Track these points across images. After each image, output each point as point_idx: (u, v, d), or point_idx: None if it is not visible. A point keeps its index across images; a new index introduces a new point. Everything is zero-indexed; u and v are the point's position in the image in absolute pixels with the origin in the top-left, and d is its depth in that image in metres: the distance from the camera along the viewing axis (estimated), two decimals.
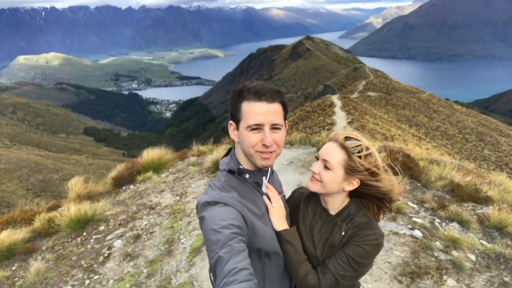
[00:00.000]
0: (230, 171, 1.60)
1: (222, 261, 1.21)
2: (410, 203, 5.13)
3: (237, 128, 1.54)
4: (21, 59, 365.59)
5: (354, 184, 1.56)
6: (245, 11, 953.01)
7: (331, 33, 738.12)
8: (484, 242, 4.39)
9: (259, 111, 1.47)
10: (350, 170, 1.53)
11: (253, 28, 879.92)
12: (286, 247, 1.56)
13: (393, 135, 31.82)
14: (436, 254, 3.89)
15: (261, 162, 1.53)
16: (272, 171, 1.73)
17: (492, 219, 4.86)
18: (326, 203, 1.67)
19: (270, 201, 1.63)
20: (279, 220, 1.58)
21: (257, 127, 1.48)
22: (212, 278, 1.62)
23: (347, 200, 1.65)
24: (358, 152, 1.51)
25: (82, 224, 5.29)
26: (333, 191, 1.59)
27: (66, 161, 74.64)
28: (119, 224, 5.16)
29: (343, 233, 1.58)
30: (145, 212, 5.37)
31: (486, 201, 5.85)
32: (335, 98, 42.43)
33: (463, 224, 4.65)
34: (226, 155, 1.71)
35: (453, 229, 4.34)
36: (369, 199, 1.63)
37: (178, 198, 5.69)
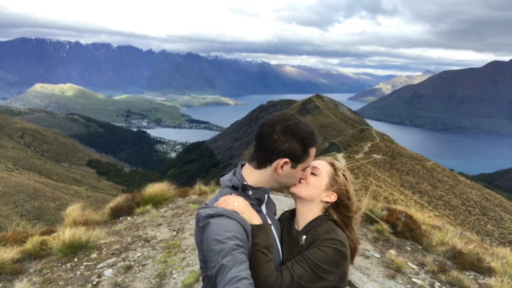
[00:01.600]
0: (233, 187, 1.66)
1: (225, 269, 1.25)
2: (410, 264, 5.01)
3: (293, 166, 1.64)
4: (38, 87, 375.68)
5: (332, 198, 1.71)
6: (260, 65, 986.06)
7: (341, 94, 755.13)
8: None
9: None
10: (333, 182, 1.72)
11: (266, 82, 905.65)
12: (258, 240, 1.54)
13: (395, 199, 31.58)
14: None
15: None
16: (269, 195, 1.81)
17: None
18: (299, 214, 1.77)
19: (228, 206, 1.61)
20: (252, 213, 1.58)
21: None
22: None
23: (317, 213, 1.75)
24: (342, 172, 1.75)
25: (75, 249, 5.19)
26: (313, 196, 1.71)
27: (65, 190, 74.18)
28: (112, 254, 5.05)
29: (302, 243, 1.66)
30: (140, 244, 5.27)
31: (489, 271, 5.69)
32: (340, 157, 42.72)
33: None
34: (223, 175, 1.78)
35: None
36: (337, 219, 1.74)
37: (174, 233, 5.61)
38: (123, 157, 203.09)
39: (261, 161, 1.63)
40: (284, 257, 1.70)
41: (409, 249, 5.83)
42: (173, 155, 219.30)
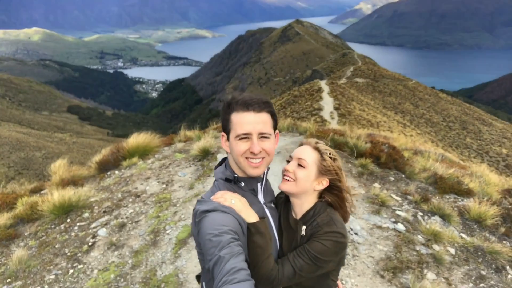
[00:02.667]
0: (227, 180, 1.65)
1: (222, 261, 1.26)
2: (394, 196, 5.21)
3: (228, 138, 1.60)
4: (1, 33, 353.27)
5: (324, 184, 1.70)
6: None
7: (321, 18, 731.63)
8: (464, 236, 4.50)
9: (247, 121, 1.53)
10: (322, 169, 1.67)
11: (243, 10, 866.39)
12: (256, 238, 1.55)
13: (378, 122, 32.14)
14: (417, 248, 3.98)
15: (251, 171, 1.58)
16: (266, 180, 1.77)
17: (472, 212, 4.97)
18: (295, 206, 1.74)
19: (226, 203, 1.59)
20: (248, 212, 1.57)
21: (245, 136, 1.54)
22: (204, 286, 1.65)
23: (313, 202, 1.74)
24: (329, 154, 1.68)
25: (66, 210, 5.22)
26: (305, 190, 1.68)
27: (49, 139, 73.28)
28: (104, 212, 5.11)
29: (303, 233, 1.67)
30: (130, 200, 5.33)
31: (468, 193, 5.98)
32: (323, 84, 42.46)
33: (445, 217, 4.75)
34: (219, 164, 1.76)
35: (435, 223, 4.44)
36: (332, 201, 1.75)
37: (164, 186, 5.66)
38: (103, 100, 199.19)
39: None
40: (283, 245, 1.72)
41: (392, 179, 6.03)
42: (154, 94, 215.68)
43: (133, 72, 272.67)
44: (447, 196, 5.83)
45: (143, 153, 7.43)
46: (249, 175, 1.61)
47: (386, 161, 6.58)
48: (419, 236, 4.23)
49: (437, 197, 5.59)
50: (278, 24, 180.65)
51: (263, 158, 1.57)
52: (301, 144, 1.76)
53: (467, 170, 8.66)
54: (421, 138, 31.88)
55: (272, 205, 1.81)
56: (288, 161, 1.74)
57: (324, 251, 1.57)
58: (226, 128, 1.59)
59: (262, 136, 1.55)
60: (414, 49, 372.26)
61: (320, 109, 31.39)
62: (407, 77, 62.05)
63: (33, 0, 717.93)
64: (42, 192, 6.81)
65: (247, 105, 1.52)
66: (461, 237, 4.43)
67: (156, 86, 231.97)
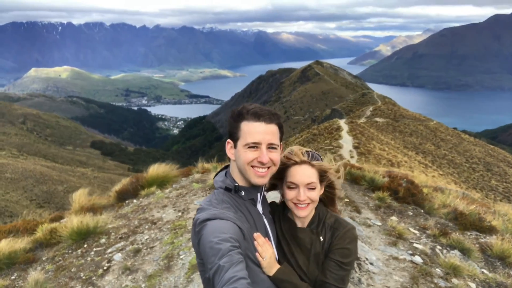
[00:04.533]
0: (227, 189, 1.67)
1: (222, 270, 1.25)
2: (411, 229, 5.11)
3: (235, 146, 1.64)
4: (33, 71, 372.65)
5: (322, 189, 1.79)
6: (256, 34, 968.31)
7: (341, 59, 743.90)
8: (485, 271, 4.34)
9: (258, 131, 1.57)
10: (322, 179, 1.75)
11: (264, 51, 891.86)
12: (285, 286, 1.63)
13: (399, 161, 31.68)
14: (435, 281, 3.85)
15: (255, 179, 1.61)
16: (264, 193, 1.80)
17: (494, 249, 4.81)
18: (304, 218, 1.78)
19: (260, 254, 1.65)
20: (270, 265, 1.63)
21: (255, 146, 1.58)
22: None
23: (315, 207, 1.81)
24: (323, 166, 1.74)
25: (84, 236, 5.31)
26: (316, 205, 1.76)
27: (72, 173, 74.86)
28: (120, 238, 5.18)
29: (321, 239, 1.72)
30: (147, 227, 5.39)
31: (490, 230, 5.80)
32: (342, 122, 42.53)
33: (465, 252, 4.61)
34: (219, 173, 1.79)
35: (454, 257, 4.30)
36: (326, 198, 1.86)
37: (180, 214, 5.72)
38: (126, 136, 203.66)
39: None
40: (298, 259, 1.74)
41: (411, 213, 5.93)
42: (176, 131, 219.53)
43: (156, 110, 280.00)
44: (468, 233, 5.67)
45: (162, 183, 7.57)
46: (254, 184, 1.63)
47: (404, 195, 6.49)
48: (437, 269, 4.10)
49: (457, 233, 5.44)
50: (298, 65, 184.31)
51: (269, 167, 1.61)
52: (292, 163, 1.73)
53: (490, 208, 8.41)
54: (444, 179, 31.15)
55: (270, 217, 1.83)
56: (290, 187, 1.73)
57: (350, 253, 1.67)
58: (234, 136, 1.63)
59: (271, 146, 1.60)
60: (434, 90, 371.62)
61: (339, 147, 31.29)
62: (428, 118, 61.55)
63: (66, 40, 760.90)
64: (62, 220, 6.96)
65: (258, 116, 1.57)
66: (483, 273, 4.27)
67: (178, 123, 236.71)
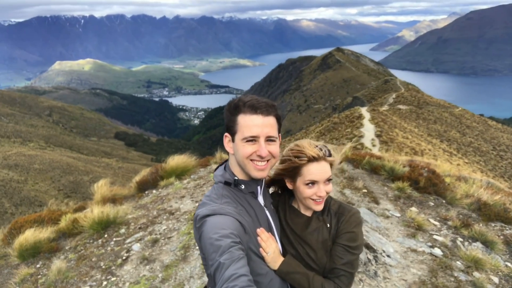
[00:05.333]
0: (226, 183, 1.65)
1: (222, 267, 1.24)
2: (432, 220, 4.98)
3: (233, 140, 1.60)
4: (57, 64, 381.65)
5: None
6: (276, 22, 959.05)
7: (362, 45, 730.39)
8: (509, 264, 4.20)
9: (255, 124, 1.53)
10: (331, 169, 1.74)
11: (284, 39, 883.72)
12: (292, 277, 1.64)
13: (423, 150, 31.03)
14: (455, 274, 3.75)
15: (255, 173, 1.58)
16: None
17: None
18: (303, 206, 1.79)
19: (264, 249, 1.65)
20: (274, 260, 1.63)
21: (253, 139, 1.54)
22: None
23: None
24: (331, 158, 1.72)
25: (104, 226, 5.44)
26: None
27: (97, 163, 76.78)
28: (139, 228, 5.27)
29: (328, 225, 1.72)
30: (165, 217, 5.46)
31: None
32: (364, 110, 41.85)
33: (487, 244, 4.47)
34: (218, 168, 1.77)
35: (476, 249, 4.18)
36: None
37: (197, 204, 5.76)
38: (148, 127, 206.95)
39: None
40: (307, 249, 1.73)
41: (432, 204, 5.78)
42: (197, 121, 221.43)
43: (177, 100, 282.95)
44: (493, 224, 5.49)
45: (180, 173, 7.65)
46: (253, 178, 1.61)
47: (425, 185, 6.33)
48: (458, 262, 3.99)
49: (480, 224, 5.28)
50: (319, 52, 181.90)
51: (268, 160, 1.58)
52: (300, 152, 1.68)
53: None
54: (469, 168, 30.34)
55: (272, 208, 1.81)
56: (308, 184, 1.68)
57: (356, 237, 1.68)
58: (231, 130, 1.59)
59: (269, 139, 1.56)
60: (460, 75, 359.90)
61: (361, 136, 30.86)
62: (453, 104, 59.89)
63: (88, 33, 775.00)
64: (85, 211, 7.15)
65: (255, 108, 1.53)
66: (506, 266, 4.13)
67: (199, 113, 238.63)
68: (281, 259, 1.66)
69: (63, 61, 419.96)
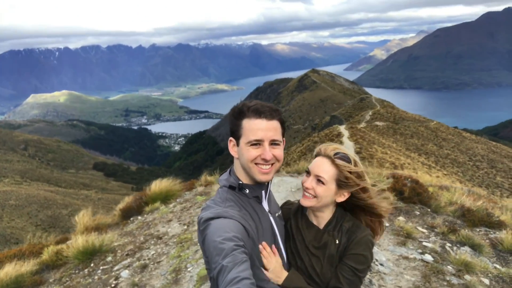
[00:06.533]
0: (231, 187, 1.66)
1: (225, 270, 1.24)
2: (420, 228, 5.06)
3: (237, 144, 1.63)
4: (32, 97, 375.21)
5: (345, 195, 1.69)
6: (251, 47, 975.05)
7: (336, 66, 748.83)
8: (498, 266, 4.28)
9: (259, 128, 1.55)
10: (342, 184, 1.65)
11: (260, 63, 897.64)
12: None
13: (402, 164, 31.58)
14: (448, 278, 3.79)
15: (260, 176, 1.59)
16: (270, 191, 1.78)
17: (505, 243, 4.76)
18: (317, 217, 1.75)
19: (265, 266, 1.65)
20: (277, 275, 1.63)
21: (257, 143, 1.56)
22: None
23: (334, 210, 1.75)
24: (348, 170, 1.63)
25: (90, 255, 5.27)
26: (327, 204, 1.69)
27: (75, 196, 74.74)
28: (127, 255, 5.13)
29: (337, 242, 1.68)
30: (152, 242, 5.35)
31: (499, 225, 5.74)
32: (342, 128, 42.57)
33: (475, 248, 4.56)
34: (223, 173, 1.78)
35: (465, 253, 4.25)
36: (358, 210, 1.75)
37: (185, 227, 5.67)
38: (127, 156, 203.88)
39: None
40: (312, 260, 1.72)
41: (418, 213, 5.88)
42: (177, 148, 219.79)
43: (156, 128, 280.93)
44: (477, 229, 5.61)
45: (165, 198, 7.54)
46: (258, 181, 1.62)
47: (410, 195, 6.44)
48: (449, 267, 4.04)
49: (466, 230, 5.38)
50: (295, 74, 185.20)
51: (272, 164, 1.59)
52: (318, 154, 1.73)
53: (497, 203, 8.35)
54: (448, 179, 30.98)
55: (277, 215, 1.81)
56: (307, 172, 1.73)
57: (365, 260, 1.64)
58: (236, 134, 1.62)
59: (273, 143, 1.58)
60: (432, 90, 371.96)
61: None
62: (428, 118, 61.60)
63: (63, 65, 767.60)
64: (67, 242, 6.92)
65: (260, 113, 1.56)
66: (495, 268, 4.21)
67: (179, 139, 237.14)
68: (284, 273, 1.64)
69: (37, 94, 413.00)
